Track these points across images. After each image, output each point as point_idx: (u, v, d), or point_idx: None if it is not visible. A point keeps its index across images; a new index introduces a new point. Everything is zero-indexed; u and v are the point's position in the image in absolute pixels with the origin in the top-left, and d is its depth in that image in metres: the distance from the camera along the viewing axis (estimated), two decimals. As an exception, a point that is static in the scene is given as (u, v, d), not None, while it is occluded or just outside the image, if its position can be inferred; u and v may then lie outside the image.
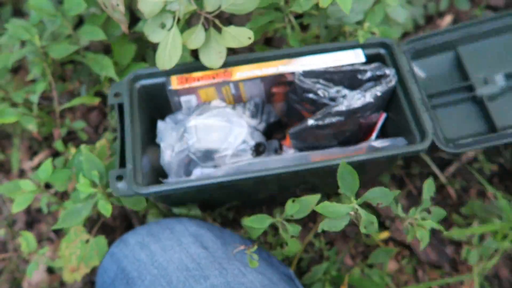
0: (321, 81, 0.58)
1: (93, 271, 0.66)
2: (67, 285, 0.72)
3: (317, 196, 0.46)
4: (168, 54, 0.53)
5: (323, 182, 0.65)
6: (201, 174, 0.57)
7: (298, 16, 0.64)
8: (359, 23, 0.64)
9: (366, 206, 0.51)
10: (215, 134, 0.57)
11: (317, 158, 0.57)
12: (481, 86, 0.64)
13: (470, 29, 0.66)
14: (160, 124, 0.61)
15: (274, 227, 0.71)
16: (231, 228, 0.73)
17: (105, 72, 0.64)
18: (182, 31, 0.54)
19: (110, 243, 0.70)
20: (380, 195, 0.39)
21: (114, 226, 0.73)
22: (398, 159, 0.72)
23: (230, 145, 0.58)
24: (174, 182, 0.54)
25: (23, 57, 0.67)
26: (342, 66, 0.58)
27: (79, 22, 0.74)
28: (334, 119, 0.57)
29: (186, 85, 0.57)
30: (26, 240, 0.55)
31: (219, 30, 0.54)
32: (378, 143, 0.57)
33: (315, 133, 0.59)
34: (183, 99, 0.60)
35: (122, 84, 0.57)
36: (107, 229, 0.74)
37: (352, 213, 0.41)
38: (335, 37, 0.71)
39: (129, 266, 0.52)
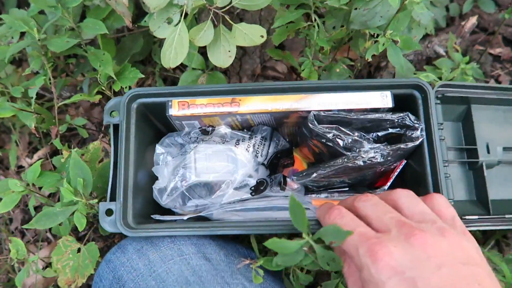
0: (336, 127, 0.52)
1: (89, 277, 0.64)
2: None
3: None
4: (174, 51, 0.49)
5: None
6: (196, 206, 0.54)
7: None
8: (381, 27, 0.59)
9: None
10: (215, 174, 0.54)
11: (317, 202, 0.53)
12: (484, 153, 0.60)
13: (498, 91, 0.61)
14: (158, 150, 0.57)
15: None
16: (234, 238, 0.70)
17: (103, 68, 0.60)
18: (190, 27, 0.50)
19: (109, 247, 0.68)
20: (333, 233, 0.35)
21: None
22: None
23: (231, 182, 0.54)
24: (167, 226, 0.51)
25: (24, 50, 0.64)
26: (365, 110, 0.52)
27: (84, 15, 0.71)
28: (346, 171, 0.53)
29: (188, 112, 0.52)
30: (16, 247, 0.52)
31: (229, 27, 0.51)
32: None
33: (323, 180, 0.55)
34: (185, 122, 0.56)
35: (119, 103, 0.53)
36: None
37: (305, 248, 0.37)
38: (351, 38, 0.67)
39: (125, 276, 0.49)
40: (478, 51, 0.82)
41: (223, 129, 0.57)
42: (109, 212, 0.50)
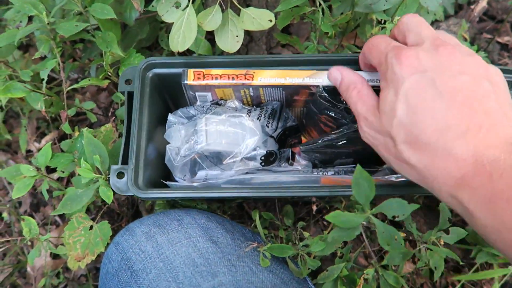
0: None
1: (97, 257, 0.65)
2: (71, 271, 0.70)
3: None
4: (182, 36, 0.49)
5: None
6: (205, 177, 0.54)
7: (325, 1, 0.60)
8: (387, 12, 0.59)
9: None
10: (226, 140, 0.54)
11: (327, 180, 0.54)
12: None
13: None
14: (171, 118, 0.58)
15: (285, 225, 0.68)
16: (241, 221, 0.71)
17: (110, 48, 0.60)
18: (198, 11, 0.50)
19: (116, 231, 0.68)
20: (397, 207, 0.35)
21: (121, 212, 0.71)
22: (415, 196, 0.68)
23: (240, 151, 0.54)
24: (176, 189, 0.51)
25: (31, 35, 0.65)
26: (374, 82, 0.52)
27: None
28: (350, 138, 0.53)
29: (203, 82, 0.53)
30: (28, 225, 0.53)
31: (237, 11, 0.51)
32: (396, 177, 0.53)
33: (329, 151, 0.55)
34: (198, 94, 0.56)
35: (134, 70, 0.54)
36: (113, 215, 0.72)
37: (364, 223, 0.37)
38: (359, 24, 0.67)
39: (133, 257, 0.50)
40: (485, 40, 0.82)
41: (234, 103, 0.57)
42: (120, 175, 0.50)
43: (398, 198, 0.35)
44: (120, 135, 0.72)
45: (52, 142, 0.78)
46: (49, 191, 0.73)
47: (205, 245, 0.49)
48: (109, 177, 0.52)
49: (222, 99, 0.58)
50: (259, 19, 0.49)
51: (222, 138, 0.54)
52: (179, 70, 0.54)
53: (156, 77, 0.56)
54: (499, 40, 0.82)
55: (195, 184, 0.54)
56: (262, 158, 0.56)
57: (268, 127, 0.58)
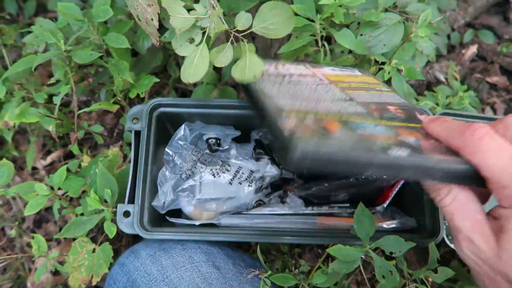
0: None
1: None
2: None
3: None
4: (194, 69, 0.52)
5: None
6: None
7: (329, 42, 0.64)
8: (385, 54, 0.63)
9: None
10: (219, 191, 0.57)
11: (323, 221, 0.57)
12: None
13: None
14: (168, 151, 0.60)
15: (281, 252, 0.70)
16: (238, 244, 0.73)
17: (121, 75, 0.64)
18: (210, 47, 0.54)
19: (116, 251, 0.70)
20: (395, 244, 0.38)
21: (121, 232, 0.73)
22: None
23: (232, 202, 0.58)
24: (179, 229, 0.55)
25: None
26: None
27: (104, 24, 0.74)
28: (344, 186, 0.57)
29: None
30: (38, 243, 0.55)
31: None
32: (387, 224, 0.56)
33: (323, 194, 0.59)
34: None
35: (141, 109, 0.57)
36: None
37: (363, 256, 0.40)
38: (356, 64, 0.71)
39: (139, 280, 0.51)
40: (476, 79, 0.87)
41: (230, 152, 0.61)
42: (126, 214, 0.53)
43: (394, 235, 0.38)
44: (125, 158, 0.75)
45: (58, 160, 0.80)
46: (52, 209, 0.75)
47: (208, 270, 0.51)
48: (114, 210, 0.54)
49: (217, 140, 0.61)
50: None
51: (216, 190, 0.58)
52: (184, 110, 0.59)
53: (163, 114, 0.59)
54: (489, 80, 0.87)
55: (198, 222, 0.57)
56: (254, 205, 0.59)
57: (259, 192, 0.61)
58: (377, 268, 0.39)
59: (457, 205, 0.32)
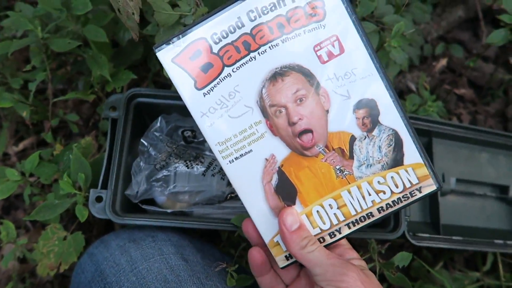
0: None
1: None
2: (37, 276, 0.71)
3: None
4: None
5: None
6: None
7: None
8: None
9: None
10: (193, 183, 0.59)
11: None
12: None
13: (456, 129, 0.70)
14: (143, 142, 0.61)
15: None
16: (210, 239, 0.74)
17: (99, 71, 0.64)
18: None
19: (88, 240, 0.70)
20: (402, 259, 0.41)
21: (93, 222, 0.73)
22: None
23: (204, 194, 0.59)
24: (151, 215, 0.56)
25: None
26: None
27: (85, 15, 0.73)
28: None
29: None
30: (7, 229, 0.55)
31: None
32: None
33: None
34: None
35: (119, 99, 0.58)
36: (85, 225, 0.73)
37: None
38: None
39: (107, 270, 0.52)
40: (445, 90, 0.91)
41: (205, 145, 0.62)
42: (98, 199, 0.54)
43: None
44: (99, 148, 0.75)
45: (30, 147, 0.79)
46: (20, 195, 0.74)
47: (176, 262, 0.52)
48: (86, 195, 0.55)
49: (193, 132, 0.63)
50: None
51: (191, 181, 0.59)
52: (162, 101, 0.60)
53: (139, 104, 0.60)
54: (456, 91, 0.91)
55: (170, 210, 0.58)
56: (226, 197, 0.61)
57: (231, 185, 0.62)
58: None
59: None
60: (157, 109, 0.63)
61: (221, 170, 0.60)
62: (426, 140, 0.70)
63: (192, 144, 0.62)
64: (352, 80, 0.42)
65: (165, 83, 0.85)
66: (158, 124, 0.62)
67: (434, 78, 0.88)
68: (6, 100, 0.59)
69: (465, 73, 0.92)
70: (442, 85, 0.90)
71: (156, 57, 0.79)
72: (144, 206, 0.58)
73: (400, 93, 0.87)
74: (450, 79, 0.92)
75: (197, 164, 0.59)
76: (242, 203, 0.63)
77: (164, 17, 0.53)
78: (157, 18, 0.53)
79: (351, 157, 0.42)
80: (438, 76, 0.91)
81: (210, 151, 0.61)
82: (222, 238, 0.69)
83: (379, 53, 0.64)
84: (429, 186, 0.42)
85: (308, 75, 0.41)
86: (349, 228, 0.43)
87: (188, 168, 0.58)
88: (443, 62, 0.83)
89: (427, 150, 0.69)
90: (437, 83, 0.91)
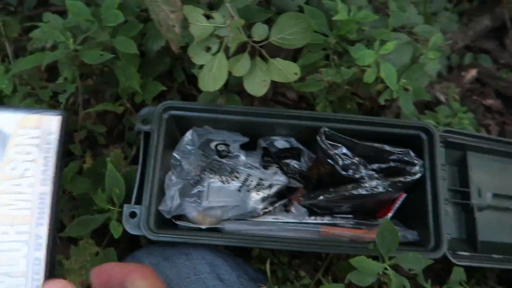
0: (343, 149, 0.58)
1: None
2: None
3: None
4: (213, 78, 0.52)
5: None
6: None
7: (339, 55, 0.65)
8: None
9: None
10: (227, 198, 0.57)
11: (326, 232, 0.58)
12: (476, 196, 0.65)
13: (491, 142, 0.68)
14: (175, 157, 0.60)
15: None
16: (235, 253, 0.72)
17: (129, 83, 0.63)
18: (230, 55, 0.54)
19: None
20: (413, 261, 0.39)
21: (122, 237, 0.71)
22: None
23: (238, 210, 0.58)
24: (184, 232, 0.55)
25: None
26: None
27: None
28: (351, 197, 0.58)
29: None
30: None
31: (265, 60, 0.54)
32: None
33: (328, 204, 0.60)
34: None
35: (152, 111, 0.57)
36: (111, 237, 0.72)
37: (381, 272, 0.41)
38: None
39: (142, 289, 0.50)
40: (472, 101, 0.89)
41: (239, 159, 0.60)
42: (132, 215, 0.53)
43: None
44: (126, 158, 0.74)
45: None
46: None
47: (213, 282, 0.51)
48: (120, 210, 0.54)
49: (226, 146, 0.61)
50: (285, 71, 0.52)
51: (224, 196, 0.58)
52: (194, 114, 0.59)
53: (172, 117, 0.59)
54: (484, 102, 0.90)
55: (204, 226, 0.56)
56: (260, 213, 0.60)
57: (265, 201, 0.61)
58: (394, 283, 0.40)
59: None
60: (188, 122, 0.61)
61: (256, 185, 0.58)
62: (461, 154, 0.68)
63: (226, 158, 0.60)
64: None
65: (189, 94, 0.83)
66: (190, 137, 0.61)
67: (462, 89, 0.86)
68: (37, 113, 0.57)
69: (492, 83, 0.90)
70: (471, 96, 0.88)
71: (182, 68, 0.78)
72: (178, 222, 0.56)
73: (427, 103, 0.85)
74: (479, 90, 0.90)
75: (232, 180, 0.57)
76: (273, 218, 0.63)
77: (198, 29, 0.52)
78: (191, 31, 0.52)
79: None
80: (466, 87, 0.89)
81: (245, 165, 0.60)
82: (252, 254, 0.67)
83: (414, 65, 0.63)
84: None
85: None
86: None
87: (223, 183, 0.57)
88: (473, 72, 0.82)
89: (461, 164, 0.67)
90: (465, 93, 0.89)
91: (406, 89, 0.63)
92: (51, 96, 0.62)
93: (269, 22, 0.58)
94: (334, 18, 0.57)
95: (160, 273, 0.51)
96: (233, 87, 0.77)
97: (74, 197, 0.67)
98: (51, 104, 0.64)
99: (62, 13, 0.69)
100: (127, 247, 0.71)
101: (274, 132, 0.64)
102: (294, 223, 0.60)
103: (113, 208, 0.53)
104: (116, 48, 0.62)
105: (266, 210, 0.60)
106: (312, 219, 0.62)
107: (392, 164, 0.60)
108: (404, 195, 0.61)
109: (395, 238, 0.39)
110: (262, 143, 0.64)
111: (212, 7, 0.66)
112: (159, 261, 0.53)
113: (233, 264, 0.57)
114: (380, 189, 0.57)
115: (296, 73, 0.52)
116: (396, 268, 0.43)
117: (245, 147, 0.64)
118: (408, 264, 0.39)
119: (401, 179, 0.58)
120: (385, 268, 0.40)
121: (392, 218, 0.63)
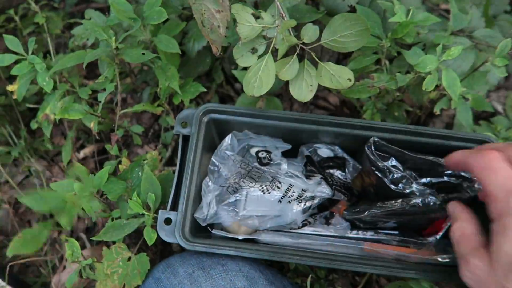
0: (393, 161, 0.53)
1: None
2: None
3: None
4: (259, 81, 0.49)
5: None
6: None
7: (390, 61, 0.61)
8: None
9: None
10: (266, 208, 0.54)
11: (371, 247, 0.54)
12: None
13: None
14: (213, 162, 0.58)
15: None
16: (270, 263, 0.69)
17: (168, 82, 0.61)
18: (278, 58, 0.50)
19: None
20: None
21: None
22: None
23: (277, 221, 0.54)
24: (219, 242, 0.52)
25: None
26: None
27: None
28: (397, 213, 0.53)
29: None
30: (72, 248, 0.52)
31: (314, 63, 0.51)
32: (442, 258, 0.52)
33: (373, 219, 0.55)
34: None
35: (191, 114, 0.55)
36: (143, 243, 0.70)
37: None
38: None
39: (177, 301, 0.48)
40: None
41: (281, 167, 0.57)
42: (167, 221, 0.50)
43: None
44: (161, 159, 0.72)
45: (91, 155, 0.77)
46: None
47: (251, 298, 0.48)
48: (155, 216, 0.52)
49: (268, 153, 0.58)
50: (338, 76, 0.48)
51: (262, 207, 0.54)
52: (234, 117, 0.56)
53: (212, 121, 0.56)
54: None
55: (240, 236, 0.53)
56: (299, 225, 0.56)
57: (306, 212, 0.57)
58: None
59: (463, 236, 0.40)
60: (227, 125, 0.59)
61: (298, 197, 0.55)
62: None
63: (267, 166, 0.57)
64: None
65: (227, 95, 0.81)
66: (229, 141, 0.58)
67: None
68: (77, 112, 0.56)
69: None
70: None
71: (222, 68, 0.75)
72: (214, 231, 0.54)
73: (479, 114, 0.79)
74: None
75: (273, 189, 0.54)
76: (312, 230, 0.59)
77: (246, 29, 0.49)
78: (239, 31, 0.49)
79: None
80: (525, 96, 0.82)
81: (286, 174, 0.56)
82: (289, 266, 0.64)
83: (477, 73, 0.57)
84: None
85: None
86: None
87: (264, 193, 0.54)
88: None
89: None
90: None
91: (465, 98, 0.58)
92: (89, 94, 0.61)
93: (317, 23, 0.55)
94: (391, 20, 0.52)
95: (196, 285, 0.48)
96: (274, 90, 0.74)
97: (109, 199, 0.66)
98: (89, 103, 0.63)
99: (104, 10, 0.68)
100: (159, 252, 0.69)
101: (318, 140, 0.60)
102: (334, 237, 0.56)
103: (148, 214, 0.51)
104: (157, 47, 0.61)
105: (306, 221, 0.57)
106: (354, 234, 0.58)
107: (446, 178, 0.55)
108: None
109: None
110: (305, 151, 0.60)
111: (257, 6, 0.63)
112: (194, 270, 0.50)
113: (271, 277, 0.53)
114: (434, 206, 0.52)
115: (349, 79, 0.48)
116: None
117: (285, 155, 0.60)
118: None
119: (458, 195, 0.53)
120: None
121: (443, 237, 0.58)
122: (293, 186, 0.55)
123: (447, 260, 0.53)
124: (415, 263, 0.53)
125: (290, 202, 0.54)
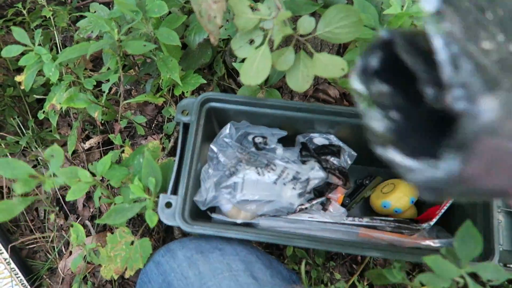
0: None
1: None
2: (97, 276, 0.71)
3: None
4: (256, 71, 0.50)
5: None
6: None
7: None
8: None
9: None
10: (262, 192, 0.55)
11: (365, 233, 0.55)
12: None
13: None
14: (212, 149, 0.59)
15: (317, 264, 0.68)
16: (270, 251, 0.71)
17: (170, 74, 0.62)
18: (274, 49, 0.52)
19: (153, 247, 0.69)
20: (493, 272, 0.36)
21: (156, 227, 0.72)
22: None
23: (273, 205, 0.56)
24: (219, 225, 0.53)
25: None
26: None
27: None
28: None
29: None
30: (77, 232, 0.54)
31: (309, 54, 0.52)
32: (434, 243, 0.53)
33: None
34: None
35: (191, 103, 0.57)
36: (144, 224, 0.72)
37: (456, 278, 0.37)
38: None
39: (175, 283, 0.50)
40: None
41: (276, 152, 0.59)
42: (168, 205, 0.52)
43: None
44: (164, 149, 0.74)
45: (96, 146, 0.79)
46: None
47: (246, 280, 0.50)
48: (156, 200, 0.53)
49: (264, 138, 0.60)
50: (331, 66, 0.50)
51: (259, 190, 0.56)
52: (233, 106, 0.58)
53: (211, 109, 0.58)
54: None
55: (239, 220, 0.55)
56: (296, 209, 0.57)
57: (303, 195, 0.58)
58: None
59: None
60: (226, 114, 0.61)
61: (293, 179, 0.56)
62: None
63: (263, 150, 0.59)
64: None
65: (229, 87, 0.83)
66: (228, 130, 0.60)
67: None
68: (81, 101, 0.58)
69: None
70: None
71: (223, 61, 0.77)
72: (213, 215, 0.55)
73: None
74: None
75: (268, 172, 0.55)
76: (309, 217, 0.61)
77: (243, 21, 0.51)
78: (236, 22, 0.51)
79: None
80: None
81: (282, 158, 0.58)
82: (286, 253, 0.65)
83: None
84: None
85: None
86: None
87: (259, 175, 0.55)
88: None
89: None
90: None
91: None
92: (94, 86, 0.63)
93: (314, 15, 0.56)
94: (386, 12, 0.53)
95: (194, 267, 0.50)
96: (274, 82, 0.75)
97: (112, 186, 0.68)
98: (94, 94, 0.65)
99: (109, 4, 0.70)
100: (161, 239, 0.72)
101: (314, 128, 0.61)
102: (331, 223, 0.58)
103: (149, 197, 0.53)
104: (158, 39, 0.62)
105: (303, 207, 0.58)
106: (350, 220, 0.60)
107: None
108: (450, 201, 0.58)
109: (478, 244, 0.35)
110: (301, 138, 0.62)
111: (256, -2, 0.65)
112: (192, 254, 0.52)
113: (267, 262, 0.55)
114: None
115: (343, 69, 0.49)
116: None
117: (283, 144, 0.62)
118: (487, 274, 0.35)
119: None
120: (462, 275, 0.36)
121: (435, 224, 0.59)
122: (287, 168, 0.56)
123: (439, 244, 0.54)
124: (409, 248, 0.54)
125: (285, 184, 0.56)
